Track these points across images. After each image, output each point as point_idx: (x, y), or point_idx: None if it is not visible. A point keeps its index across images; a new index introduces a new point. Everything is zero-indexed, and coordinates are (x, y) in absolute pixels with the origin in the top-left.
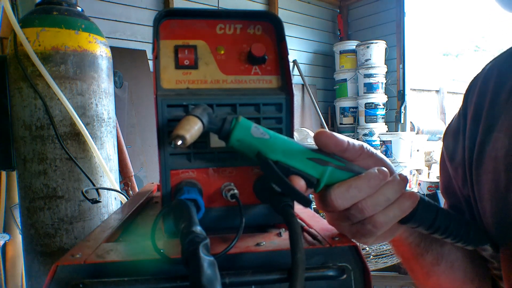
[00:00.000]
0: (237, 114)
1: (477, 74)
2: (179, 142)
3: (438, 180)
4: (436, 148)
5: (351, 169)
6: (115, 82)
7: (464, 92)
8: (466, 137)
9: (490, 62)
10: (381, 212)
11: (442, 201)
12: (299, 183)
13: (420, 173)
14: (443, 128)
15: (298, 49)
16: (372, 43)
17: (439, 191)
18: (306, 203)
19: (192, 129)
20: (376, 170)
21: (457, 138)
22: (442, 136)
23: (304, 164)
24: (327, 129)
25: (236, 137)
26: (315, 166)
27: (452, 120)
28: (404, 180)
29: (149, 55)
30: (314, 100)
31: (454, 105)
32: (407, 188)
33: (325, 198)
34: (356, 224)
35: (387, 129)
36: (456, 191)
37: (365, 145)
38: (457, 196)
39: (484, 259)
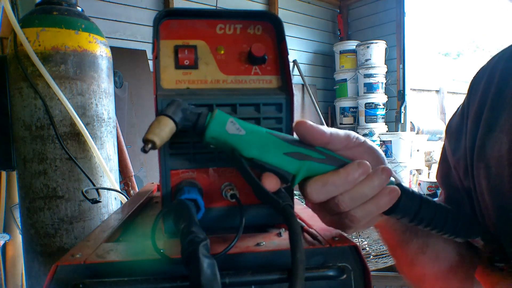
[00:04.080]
0: (214, 109)
1: (484, 65)
2: (149, 147)
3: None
4: (436, 148)
5: (331, 162)
6: (115, 82)
7: (467, 86)
8: (468, 130)
9: (498, 54)
10: (358, 207)
11: None
12: (271, 182)
13: (420, 173)
14: (443, 128)
15: (298, 49)
16: (372, 43)
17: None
18: (277, 208)
19: (162, 132)
20: (356, 164)
21: (460, 130)
22: (443, 134)
23: (281, 160)
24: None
25: (211, 134)
26: (292, 161)
27: (456, 113)
28: (387, 173)
29: (149, 55)
30: (314, 100)
31: (454, 105)
32: (404, 181)
33: (303, 191)
34: (334, 216)
35: (387, 129)
36: (456, 181)
37: (353, 134)
38: (456, 187)
39: (475, 249)
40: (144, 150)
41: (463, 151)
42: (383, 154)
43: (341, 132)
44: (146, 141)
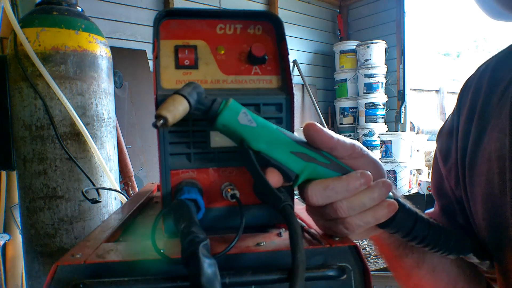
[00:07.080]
0: (229, 98)
1: (472, 74)
2: (160, 122)
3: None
4: None
5: (335, 168)
6: (115, 82)
7: (458, 92)
8: (459, 138)
9: (485, 62)
10: (355, 216)
11: None
12: (274, 177)
13: (420, 173)
14: None
15: (298, 49)
16: (372, 43)
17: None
18: (277, 207)
19: (175, 110)
20: (359, 174)
21: (450, 139)
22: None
23: (287, 158)
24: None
25: (222, 121)
26: (297, 161)
27: (446, 120)
28: (387, 187)
29: (149, 55)
30: (314, 100)
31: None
32: (410, 190)
33: (303, 192)
34: (329, 221)
35: (387, 129)
36: (448, 192)
37: (357, 144)
38: (448, 197)
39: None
40: (156, 125)
41: (454, 161)
42: (384, 168)
43: (347, 140)
44: (158, 116)
